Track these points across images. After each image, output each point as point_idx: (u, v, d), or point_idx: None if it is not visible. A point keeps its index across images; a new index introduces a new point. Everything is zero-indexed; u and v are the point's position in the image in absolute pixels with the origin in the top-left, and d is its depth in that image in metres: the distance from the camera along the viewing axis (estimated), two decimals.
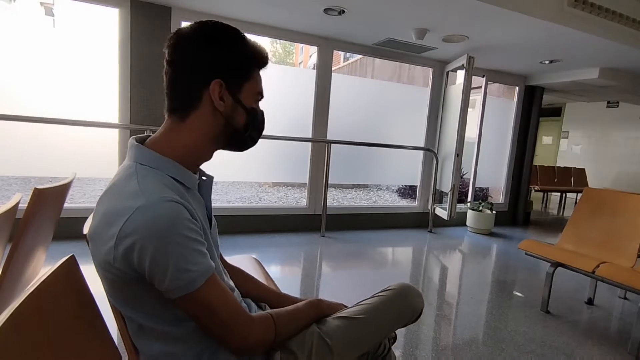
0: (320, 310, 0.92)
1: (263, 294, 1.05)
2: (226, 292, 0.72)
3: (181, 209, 0.67)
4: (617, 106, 7.86)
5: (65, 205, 1.52)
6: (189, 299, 0.67)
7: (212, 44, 0.74)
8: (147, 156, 0.73)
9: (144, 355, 0.79)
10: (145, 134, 0.81)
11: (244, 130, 0.81)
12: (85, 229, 0.78)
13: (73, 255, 0.68)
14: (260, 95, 0.83)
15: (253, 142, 0.86)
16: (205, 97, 0.75)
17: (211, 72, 0.74)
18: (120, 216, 0.64)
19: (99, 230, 0.67)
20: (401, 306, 0.98)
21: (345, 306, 1.01)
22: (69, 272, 0.66)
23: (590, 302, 2.62)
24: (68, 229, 2.55)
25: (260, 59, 0.81)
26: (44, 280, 0.55)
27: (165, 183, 0.71)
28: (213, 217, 0.88)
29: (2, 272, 1.08)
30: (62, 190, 1.35)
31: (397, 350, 1.82)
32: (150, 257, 0.63)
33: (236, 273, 1.03)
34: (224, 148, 0.84)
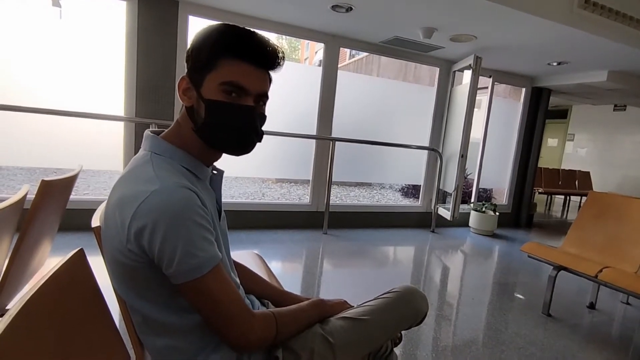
0: (322, 311, 0.92)
1: (266, 291, 1.05)
2: (230, 285, 0.73)
3: (194, 196, 0.69)
4: (624, 110, 7.79)
5: (71, 197, 1.53)
6: (193, 286, 0.68)
7: (190, 45, 0.77)
8: (161, 146, 0.77)
9: (149, 349, 0.79)
10: (159, 129, 0.83)
11: (207, 124, 0.75)
12: (94, 222, 0.79)
13: (82, 249, 0.69)
14: (228, 85, 0.73)
15: (226, 140, 0.77)
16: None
17: (186, 69, 0.78)
18: (136, 199, 0.66)
19: (114, 214, 0.69)
20: (405, 309, 0.98)
21: (348, 304, 1.01)
22: (78, 265, 0.67)
23: (592, 306, 2.61)
24: (73, 220, 2.58)
25: (228, 45, 0.73)
26: (54, 272, 0.56)
27: (179, 171, 0.74)
28: (222, 211, 0.89)
29: (10, 261, 1.09)
30: (68, 182, 1.36)
31: (396, 349, 1.83)
32: (161, 239, 0.64)
33: (240, 269, 1.03)
34: (216, 148, 0.80)
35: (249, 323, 0.73)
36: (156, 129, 0.82)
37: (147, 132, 0.80)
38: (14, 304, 0.45)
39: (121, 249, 0.68)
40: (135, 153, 0.80)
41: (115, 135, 3.26)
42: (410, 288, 1.02)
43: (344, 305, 0.99)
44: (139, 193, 0.66)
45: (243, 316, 0.73)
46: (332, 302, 0.97)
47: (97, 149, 3.24)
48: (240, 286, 0.92)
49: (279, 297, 1.05)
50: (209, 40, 0.75)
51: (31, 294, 0.47)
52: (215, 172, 0.88)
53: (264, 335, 0.76)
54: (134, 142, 3.25)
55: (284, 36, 3.93)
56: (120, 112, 3.22)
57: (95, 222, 0.79)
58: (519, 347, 1.97)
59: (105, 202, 0.76)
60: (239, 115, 0.76)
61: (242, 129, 0.77)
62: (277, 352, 0.81)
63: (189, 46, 0.77)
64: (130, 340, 0.81)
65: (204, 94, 0.74)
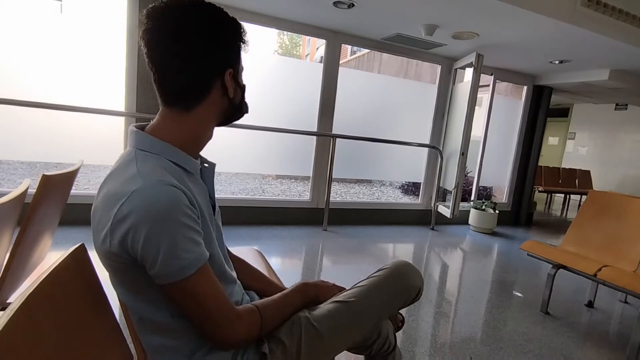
0: (306, 295, 0.91)
1: (265, 287, 1.05)
2: (216, 286, 0.72)
3: (179, 194, 0.67)
4: (626, 108, 7.78)
5: (71, 191, 1.54)
6: (177, 287, 0.66)
7: (215, 35, 0.74)
8: (146, 142, 0.73)
9: (145, 347, 0.79)
10: (145, 122, 0.80)
11: (240, 106, 0.85)
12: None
13: (83, 244, 0.69)
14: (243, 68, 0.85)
15: (247, 110, 0.89)
16: (215, 86, 0.76)
17: (222, 63, 0.76)
18: (117, 200, 0.64)
19: (98, 215, 0.67)
20: (396, 286, 0.96)
21: (337, 287, 0.99)
22: (79, 260, 0.67)
23: (590, 304, 2.62)
24: (73, 215, 2.58)
25: (244, 37, 0.80)
26: (55, 267, 0.56)
27: (165, 167, 0.71)
28: (217, 205, 0.88)
29: (10, 255, 1.09)
30: (69, 177, 1.36)
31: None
32: (143, 240, 0.62)
33: (239, 264, 1.03)
34: (224, 124, 0.87)
35: (232, 324, 0.73)
36: (141, 123, 0.79)
37: (131, 127, 0.76)
38: (16, 298, 0.45)
39: (107, 253, 0.66)
40: None
41: (116, 130, 3.26)
42: (401, 262, 1.00)
43: (332, 289, 0.97)
44: (121, 193, 0.64)
45: (228, 317, 0.72)
46: (317, 284, 0.95)
47: (97, 144, 3.24)
48: (237, 281, 0.92)
49: (277, 292, 1.05)
50: (236, 33, 0.78)
51: (32, 288, 0.48)
52: (206, 165, 0.86)
53: (249, 333, 0.76)
54: None
55: (285, 32, 3.91)
56: (122, 106, 3.21)
57: None
58: (517, 345, 1.98)
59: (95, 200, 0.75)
60: None
61: None
62: (263, 347, 0.80)
63: (209, 39, 0.73)
64: (130, 336, 0.81)
65: (241, 81, 0.83)
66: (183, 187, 0.69)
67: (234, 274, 0.92)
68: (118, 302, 0.79)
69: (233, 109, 0.84)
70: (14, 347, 0.42)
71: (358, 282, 0.97)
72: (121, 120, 3.26)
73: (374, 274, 0.98)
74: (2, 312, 0.43)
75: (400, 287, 0.96)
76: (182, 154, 0.75)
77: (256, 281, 1.04)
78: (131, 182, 0.65)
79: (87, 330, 0.65)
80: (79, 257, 0.67)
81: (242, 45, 0.80)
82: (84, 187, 5.45)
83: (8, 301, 1.19)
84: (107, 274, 0.77)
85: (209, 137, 0.83)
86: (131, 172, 0.67)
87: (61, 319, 0.56)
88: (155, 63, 0.72)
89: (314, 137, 4.00)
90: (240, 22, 0.80)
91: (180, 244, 0.65)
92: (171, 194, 0.65)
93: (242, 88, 0.85)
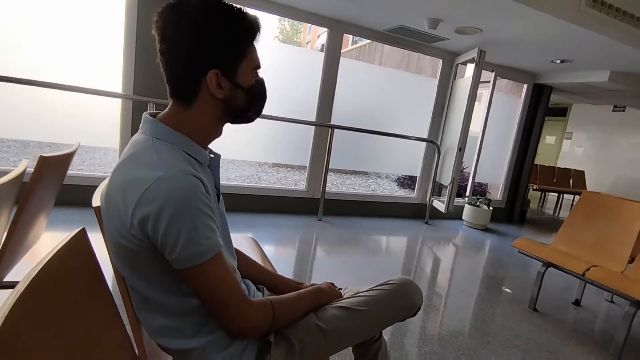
0: (318, 300, 0.94)
1: (261, 275, 1.07)
2: (230, 273, 0.74)
3: (199, 183, 0.70)
4: (624, 110, 7.82)
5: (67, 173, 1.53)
6: (194, 272, 0.69)
7: (204, 34, 0.72)
8: (162, 131, 0.76)
9: (146, 327, 0.81)
10: (155, 111, 0.82)
11: (246, 108, 0.83)
12: (94, 202, 0.79)
13: (84, 228, 0.69)
14: (256, 68, 0.81)
15: (258, 113, 0.87)
16: (203, 86, 0.76)
17: (207, 63, 0.74)
18: (140, 185, 0.66)
19: (117, 198, 0.69)
20: (401, 302, 0.99)
21: (335, 285, 1.04)
22: (80, 244, 0.67)
23: (577, 303, 2.68)
24: (68, 196, 2.57)
25: (252, 34, 0.77)
26: (57, 251, 0.57)
27: (182, 157, 0.74)
28: (221, 194, 0.90)
29: (8, 234, 1.10)
30: (66, 159, 1.36)
31: (385, 336, 1.87)
32: (165, 225, 0.65)
33: (236, 255, 1.04)
34: (232, 123, 0.85)
35: (245, 312, 0.75)
36: (153, 112, 0.81)
37: (145, 115, 0.79)
38: (21, 280, 0.46)
39: (124, 233, 0.68)
40: (132, 131, 0.79)
41: (112, 112, 3.22)
42: (406, 281, 1.02)
43: (339, 293, 1.01)
44: (144, 179, 0.66)
45: (240, 305, 0.74)
46: (329, 294, 0.98)
47: (93, 125, 3.20)
48: (237, 271, 0.93)
49: (272, 281, 1.07)
50: (233, 31, 0.74)
51: (36, 271, 0.48)
52: (212, 155, 0.88)
53: (260, 324, 0.78)
54: (131, 120, 3.21)
55: (286, 19, 3.87)
56: (118, 88, 3.17)
57: (96, 201, 0.79)
58: (504, 339, 2.02)
59: (106, 183, 0.76)
60: (265, 89, 0.87)
61: (266, 98, 0.88)
62: (270, 336, 0.83)
63: (197, 38, 0.72)
64: (127, 318, 0.82)
65: (242, 83, 0.79)
66: (200, 175, 0.71)
67: (235, 263, 0.94)
68: (117, 287, 0.80)
69: (233, 111, 0.81)
70: (20, 326, 0.43)
71: (363, 291, 0.99)
72: (118, 102, 3.22)
73: (379, 287, 1.00)
74: (9, 291, 0.44)
75: (404, 304, 0.99)
76: (194, 145, 0.78)
77: (252, 269, 1.06)
78: (154, 168, 0.67)
79: (87, 313, 0.66)
80: (80, 241, 0.67)
81: (248, 42, 0.77)
82: (78, 168, 5.40)
83: (4, 280, 1.20)
84: (106, 258, 0.77)
85: (215, 134, 0.84)
86: (152, 159, 0.70)
87: (62, 301, 0.56)
88: (159, 60, 0.76)
89: (312, 127, 3.98)
90: (250, 19, 0.76)
91: (200, 230, 0.68)
92: (192, 183, 0.68)
93: (246, 90, 0.80)
